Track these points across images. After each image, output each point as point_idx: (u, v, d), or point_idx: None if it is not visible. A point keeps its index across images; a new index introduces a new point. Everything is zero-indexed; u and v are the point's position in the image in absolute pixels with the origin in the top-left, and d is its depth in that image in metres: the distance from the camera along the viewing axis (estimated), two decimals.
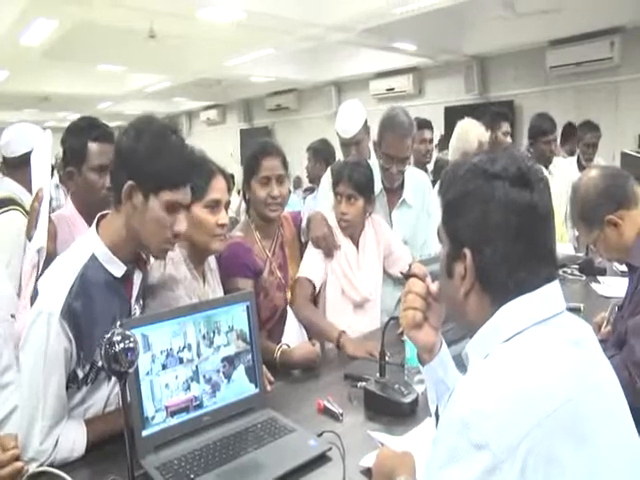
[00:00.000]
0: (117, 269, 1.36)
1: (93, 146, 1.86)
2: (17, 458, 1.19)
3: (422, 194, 2.60)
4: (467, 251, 0.88)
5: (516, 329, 0.84)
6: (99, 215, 1.41)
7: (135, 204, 1.31)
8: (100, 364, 1.32)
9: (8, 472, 1.16)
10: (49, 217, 1.71)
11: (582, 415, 0.77)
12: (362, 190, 2.14)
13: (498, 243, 0.86)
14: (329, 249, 2.13)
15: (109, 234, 1.36)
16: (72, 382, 1.32)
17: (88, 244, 1.35)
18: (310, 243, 2.15)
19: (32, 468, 1.22)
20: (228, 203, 1.70)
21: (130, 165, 1.31)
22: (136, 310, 1.46)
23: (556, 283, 0.88)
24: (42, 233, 1.64)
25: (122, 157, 1.34)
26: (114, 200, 1.35)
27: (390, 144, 2.38)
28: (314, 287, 2.11)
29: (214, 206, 1.64)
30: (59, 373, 1.26)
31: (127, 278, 1.40)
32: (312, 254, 2.14)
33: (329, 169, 3.09)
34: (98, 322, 1.31)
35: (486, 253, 0.86)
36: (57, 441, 1.26)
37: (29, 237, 1.81)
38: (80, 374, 1.32)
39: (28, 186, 2.15)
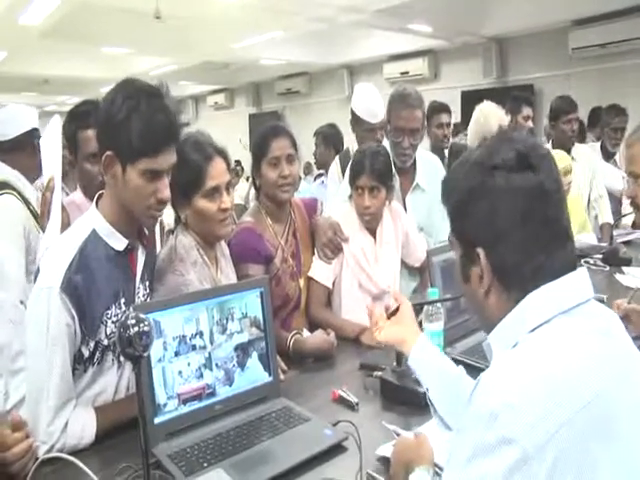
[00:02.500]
0: (118, 243, 1.35)
1: (83, 134, 1.81)
2: (28, 436, 1.19)
3: (436, 178, 2.54)
4: (480, 250, 0.86)
5: (543, 318, 0.82)
6: (99, 192, 1.40)
7: (115, 174, 1.30)
8: (106, 343, 1.32)
9: (22, 449, 1.16)
10: (61, 205, 1.67)
11: (614, 409, 0.74)
12: (384, 180, 2.08)
13: (509, 235, 0.83)
14: (335, 252, 2.08)
15: (107, 209, 1.35)
16: (78, 363, 1.30)
17: (89, 220, 1.35)
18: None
19: (42, 452, 1.21)
20: (229, 183, 1.65)
21: (106, 134, 1.30)
22: (140, 289, 1.43)
23: (583, 270, 0.86)
24: (56, 224, 1.60)
25: (99, 126, 1.32)
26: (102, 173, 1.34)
27: (399, 116, 2.36)
28: (328, 289, 2.08)
29: (213, 193, 1.59)
30: (63, 350, 1.24)
31: (130, 253, 1.39)
32: None
33: (337, 158, 3.04)
34: (100, 296, 1.30)
35: (499, 248, 0.84)
36: (65, 425, 1.25)
37: (42, 228, 1.77)
38: (85, 353, 1.30)
39: (24, 170, 2.08)
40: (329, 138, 4.19)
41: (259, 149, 1.95)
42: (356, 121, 2.91)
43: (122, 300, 1.36)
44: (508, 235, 0.83)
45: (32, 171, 2.07)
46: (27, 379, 1.28)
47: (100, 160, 1.31)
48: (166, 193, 1.33)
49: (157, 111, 1.27)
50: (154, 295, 1.50)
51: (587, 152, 3.58)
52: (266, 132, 1.96)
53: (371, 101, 2.84)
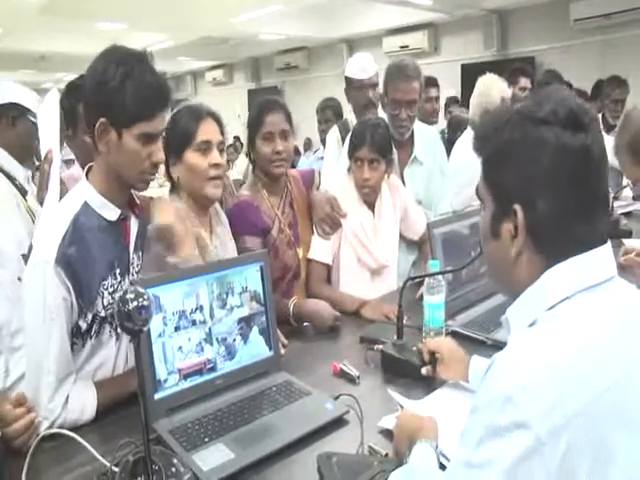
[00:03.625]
0: (111, 213, 1.35)
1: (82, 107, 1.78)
2: (29, 412, 1.19)
3: (433, 150, 2.54)
4: (518, 207, 0.80)
5: (563, 294, 0.78)
6: (89, 165, 1.39)
7: (109, 141, 1.29)
8: (103, 314, 1.32)
9: (23, 424, 1.17)
10: (60, 178, 1.65)
11: (634, 395, 0.71)
12: (384, 153, 2.07)
13: (552, 194, 0.78)
14: (334, 227, 2.06)
15: (98, 180, 1.35)
16: (76, 337, 1.30)
17: (80, 193, 1.35)
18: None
19: (43, 427, 1.22)
20: (222, 144, 1.65)
21: (99, 101, 1.29)
22: (134, 259, 1.43)
23: (608, 245, 0.81)
24: (54, 196, 1.59)
25: (90, 94, 1.31)
26: (93, 143, 1.32)
27: (397, 87, 2.34)
28: (327, 266, 2.08)
29: (205, 148, 1.60)
30: (60, 325, 1.24)
31: (123, 224, 1.39)
32: None
33: (335, 129, 3.01)
34: (95, 268, 1.30)
35: (539, 207, 0.79)
36: (66, 400, 1.25)
37: (40, 201, 1.75)
38: (83, 326, 1.30)
39: (6, 146, 2.03)
40: (338, 110, 4.10)
41: (253, 123, 1.94)
42: (348, 84, 2.89)
43: (117, 270, 1.36)
44: (550, 195, 0.78)
45: (15, 148, 2.02)
46: (26, 355, 1.28)
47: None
48: (160, 156, 1.34)
49: (149, 75, 1.28)
50: (141, 264, 1.49)
51: None
52: (260, 106, 1.95)
53: (360, 59, 2.84)
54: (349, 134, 2.20)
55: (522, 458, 0.67)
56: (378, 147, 2.04)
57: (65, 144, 2.22)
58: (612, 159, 3.47)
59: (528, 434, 0.67)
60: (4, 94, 2.08)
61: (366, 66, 2.79)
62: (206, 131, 1.61)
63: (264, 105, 1.94)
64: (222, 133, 1.67)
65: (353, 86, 2.84)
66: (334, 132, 2.94)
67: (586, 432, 0.67)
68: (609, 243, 0.82)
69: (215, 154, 1.61)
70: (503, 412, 0.69)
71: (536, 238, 0.81)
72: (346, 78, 2.90)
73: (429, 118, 3.78)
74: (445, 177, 2.57)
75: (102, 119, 1.27)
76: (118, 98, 1.25)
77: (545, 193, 0.79)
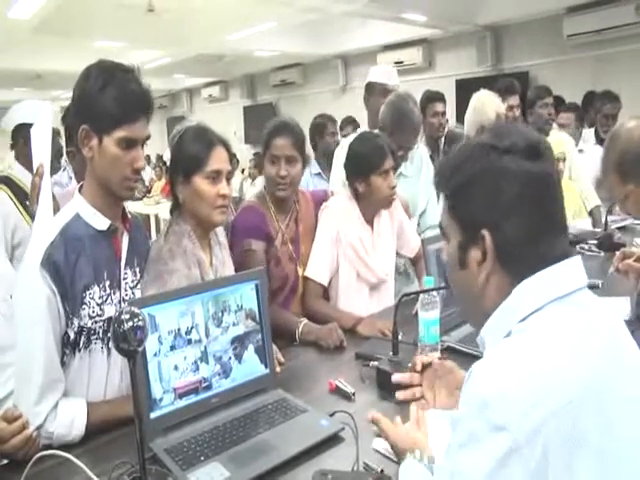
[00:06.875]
0: (101, 222, 1.37)
1: None
2: (25, 427, 1.20)
3: (419, 163, 2.57)
4: (485, 232, 0.84)
5: (534, 305, 0.82)
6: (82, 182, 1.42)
7: (92, 147, 1.32)
8: (90, 325, 1.33)
9: (20, 440, 1.17)
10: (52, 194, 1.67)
11: (609, 398, 0.74)
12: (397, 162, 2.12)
13: (517, 216, 0.83)
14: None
15: (88, 192, 1.38)
16: (65, 346, 1.31)
17: (73, 205, 1.38)
18: (319, 237, 2.09)
19: (30, 430, 1.21)
20: (230, 173, 1.67)
21: (81, 108, 1.33)
22: (127, 274, 1.43)
23: (577, 258, 0.86)
24: (46, 209, 1.60)
25: (74, 102, 1.35)
26: (78, 151, 1.36)
27: (405, 139, 2.37)
28: (323, 285, 2.09)
29: (215, 177, 1.61)
30: (46, 326, 1.25)
31: (114, 237, 1.40)
32: (320, 248, 2.07)
33: (345, 144, 3.03)
34: (82, 274, 1.31)
35: (505, 229, 0.83)
36: (54, 408, 1.25)
37: (32, 215, 1.77)
38: (71, 334, 1.31)
39: (26, 165, 2.07)
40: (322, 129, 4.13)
41: (264, 143, 1.98)
42: (371, 90, 2.87)
43: (107, 282, 1.36)
44: (515, 218, 0.83)
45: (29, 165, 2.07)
46: (15, 359, 1.30)
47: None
48: (141, 163, 1.36)
49: (131, 82, 1.31)
50: (141, 284, 1.49)
51: (562, 138, 3.57)
52: (271, 128, 1.98)
53: (387, 67, 2.96)
54: (341, 152, 2.23)
55: (502, 460, 0.70)
56: (394, 156, 2.07)
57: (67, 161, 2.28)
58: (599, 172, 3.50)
59: (506, 436, 0.70)
60: (15, 117, 2.20)
61: (392, 74, 2.85)
62: (218, 160, 1.61)
63: (275, 127, 1.97)
64: (231, 161, 1.68)
65: (377, 90, 2.83)
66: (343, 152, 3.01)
67: (562, 432, 0.70)
68: (578, 257, 0.86)
69: (224, 184, 1.62)
70: (481, 417, 0.72)
71: (503, 259, 0.85)
72: (369, 84, 2.90)
73: (435, 133, 3.78)
74: (432, 186, 2.61)
75: (84, 125, 1.31)
76: (99, 104, 1.28)
77: (511, 216, 0.84)
